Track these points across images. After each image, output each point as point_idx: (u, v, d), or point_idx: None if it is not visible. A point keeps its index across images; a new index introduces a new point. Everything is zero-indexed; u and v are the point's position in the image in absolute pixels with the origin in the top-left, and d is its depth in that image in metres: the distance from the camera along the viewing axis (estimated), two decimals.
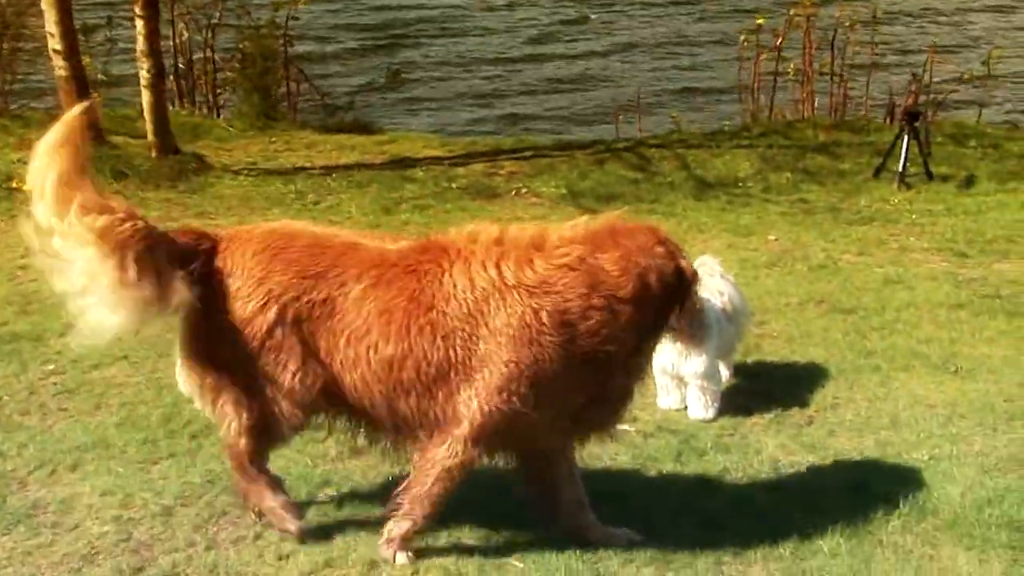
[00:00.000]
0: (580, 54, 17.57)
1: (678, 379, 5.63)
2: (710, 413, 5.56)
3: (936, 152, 11.32)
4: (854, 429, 5.52)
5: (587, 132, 13.95)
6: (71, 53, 10.43)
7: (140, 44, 10.52)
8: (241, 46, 13.44)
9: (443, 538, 4.44)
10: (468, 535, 4.47)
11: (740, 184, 10.63)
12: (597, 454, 5.13)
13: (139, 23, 10.44)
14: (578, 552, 4.32)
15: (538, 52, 17.78)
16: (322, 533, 4.48)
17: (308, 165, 11.26)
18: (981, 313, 7.18)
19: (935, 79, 13.17)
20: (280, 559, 4.31)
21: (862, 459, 5.18)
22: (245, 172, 10.84)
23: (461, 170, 11.19)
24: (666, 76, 16.53)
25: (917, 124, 10.45)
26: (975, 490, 4.85)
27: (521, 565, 4.26)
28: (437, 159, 11.63)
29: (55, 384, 5.90)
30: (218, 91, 13.64)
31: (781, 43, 13.27)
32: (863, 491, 4.85)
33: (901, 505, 4.69)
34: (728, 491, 4.82)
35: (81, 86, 10.54)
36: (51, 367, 6.10)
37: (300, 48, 15.06)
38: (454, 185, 10.55)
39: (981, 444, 5.30)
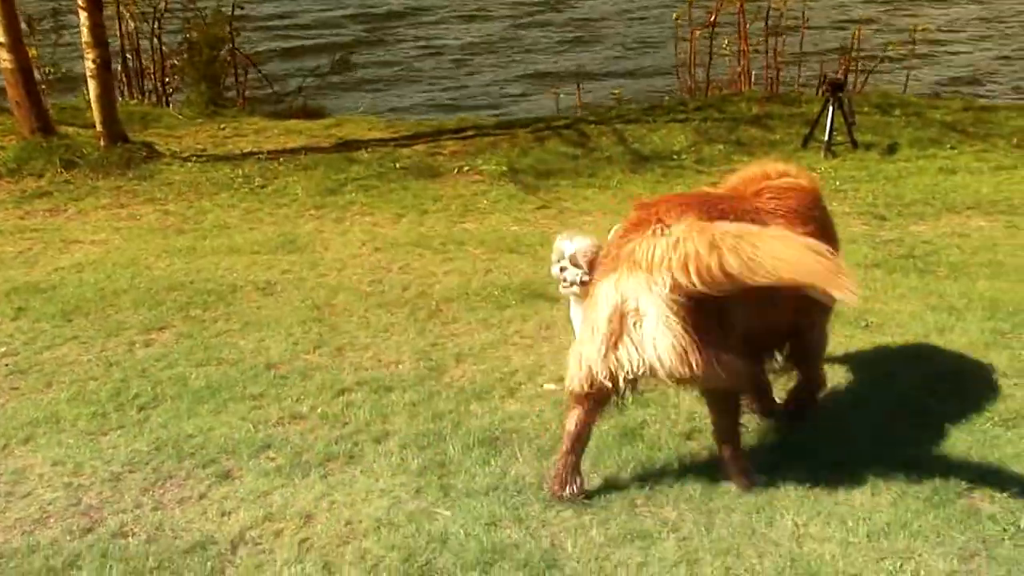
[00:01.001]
0: (523, 27, 17.77)
1: None
2: None
3: (863, 121, 11.68)
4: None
5: (529, 107, 14.19)
6: (15, 44, 10.52)
7: (84, 35, 10.63)
8: (188, 36, 13.55)
9: (376, 490, 4.70)
10: (400, 489, 4.73)
11: (675, 157, 10.93)
12: (524, 412, 5.43)
13: (82, 15, 10.55)
14: (501, 498, 4.60)
15: (483, 33, 18.01)
16: (262, 491, 4.73)
17: (256, 150, 11.44)
18: (895, 271, 7.52)
19: (864, 53, 13.54)
20: (222, 515, 4.56)
21: (774, 415, 5.47)
22: (194, 159, 11.01)
23: (405, 151, 11.43)
24: (607, 53, 16.77)
25: (841, 94, 10.77)
26: (874, 431, 5.17)
27: (448, 513, 4.53)
28: (382, 141, 11.86)
29: (7, 365, 6.10)
30: (167, 80, 13.76)
31: (715, 20, 13.57)
32: (771, 436, 5.15)
33: (807, 448, 5.00)
34: (646, 440, 5.10)
35: (27, 78, 10.65)
36: (3, 349, 6.29)
37: (248, 36, 15.20)
38: (398, 165, 10.77)
39: (881, 389, 5.62)
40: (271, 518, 4.52)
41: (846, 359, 5.97)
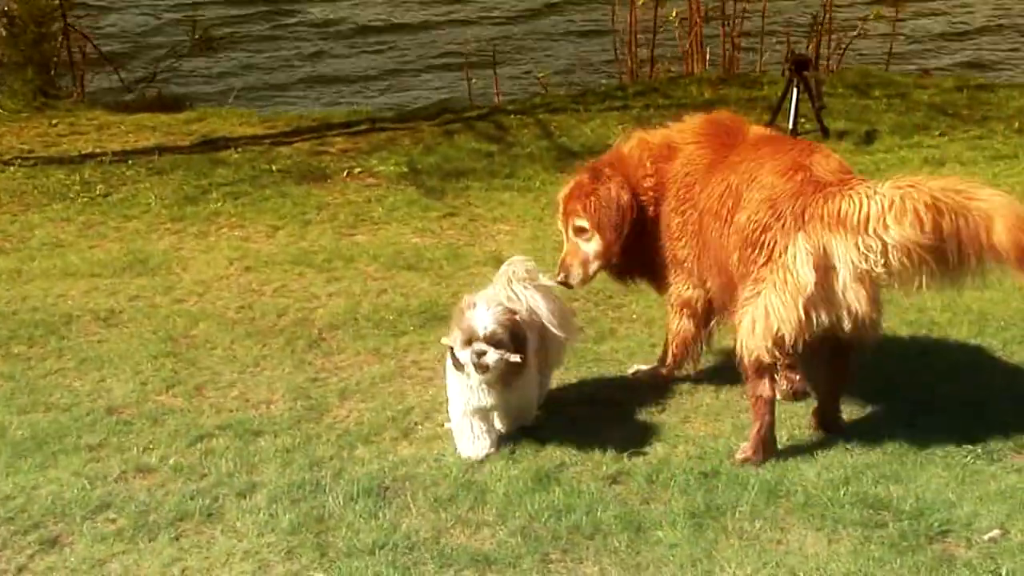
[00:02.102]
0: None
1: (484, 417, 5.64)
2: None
3: (837, 105, 12.10)
4: (711, 414, 6.07)
5: (434, 95, 14.42)
6: None
7: None
8: (7, 8, 13.52)
9: (238, 552, 4.83)
10: (268, 550, 4.86)
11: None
12: (419, 456, 5.60)
13: None
14: (390, 557, 4.76)
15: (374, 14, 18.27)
16: (97, 560, 4.83)
17: (98, 151, 11.52)
18: None
19: (839, 24, 14.02)
20: None
21: (716, 444, 5.71)
22: (18, 162, 11.05)
23: (284, 149, 11.60)
24: (530, 29, 17.10)
25: (807, 73, 11.14)
26: (832, 469, 5.43)
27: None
28: (255, 138, 12.01)
29: None
30: None
31: None
32: (714, 477, 5.38)
33: (751, 489, 5.23)
34: (563, 485, 5.29)
35: None
36: None
37: (88, 9, 15.26)
38: (274, 167, 10.92)
39: (846, 419, 5.89)
40: None
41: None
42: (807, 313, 5.25)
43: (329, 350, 6.98)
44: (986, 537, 4.91)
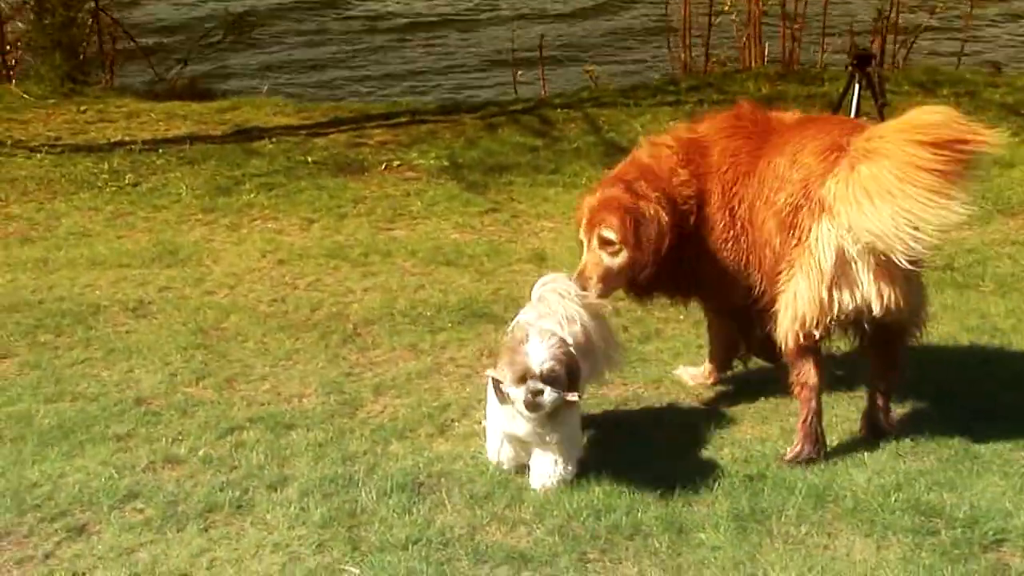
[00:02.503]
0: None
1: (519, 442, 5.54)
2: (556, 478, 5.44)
3: (903, 103, 12.07)
4: (758, 417, 6.20)
5: (484, 93, 14.63)
6: None
7: None
8: None
9: (269, 545, 5.02)
10: (299, 543, 5.04)
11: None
12: (456, 452, 5.77)
13: None
14: (423, 552, 4.92)
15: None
16: (125, 548, 5.02)
17: (128, 139, 11.77)
18: (928, 284, 7.91)
19: (906, 19, 14.09)
20: None
21: (763, 448, 5.84)
22: (45, 149, 11.32)
23: (320, 140, 11.80)
24: (579, 24, 17.27)
25: (869, 69, 11.21)
26: (884, 475, 5.54)
27: (357, 570, 4.85)
28: (291, 128, 12.24)
29: None
30: (7, 50, 13.97)
31: None
32: (759, 480, 5.51)
33: (798, 493, 5.35)
34: (603, 483, 5.44)
35: None
36: None
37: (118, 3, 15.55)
38: (310, 159, 11.13)
39: (898, 428, 6.00)
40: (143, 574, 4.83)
41: (844, 395, 6.35)
42: (829, 296, 5.44)
43: (364, 345, 7.16)
44: None
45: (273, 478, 5.55)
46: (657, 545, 5.02)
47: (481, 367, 6.78)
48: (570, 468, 5.42)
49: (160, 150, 11.40)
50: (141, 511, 5.32)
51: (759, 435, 6.01)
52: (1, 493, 5.45)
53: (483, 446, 5.79)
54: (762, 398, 6.39)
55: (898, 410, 6.15)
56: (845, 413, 6.17)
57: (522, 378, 5.17)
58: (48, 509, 5.32)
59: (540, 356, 5.18)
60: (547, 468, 5.40)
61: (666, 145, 6.22)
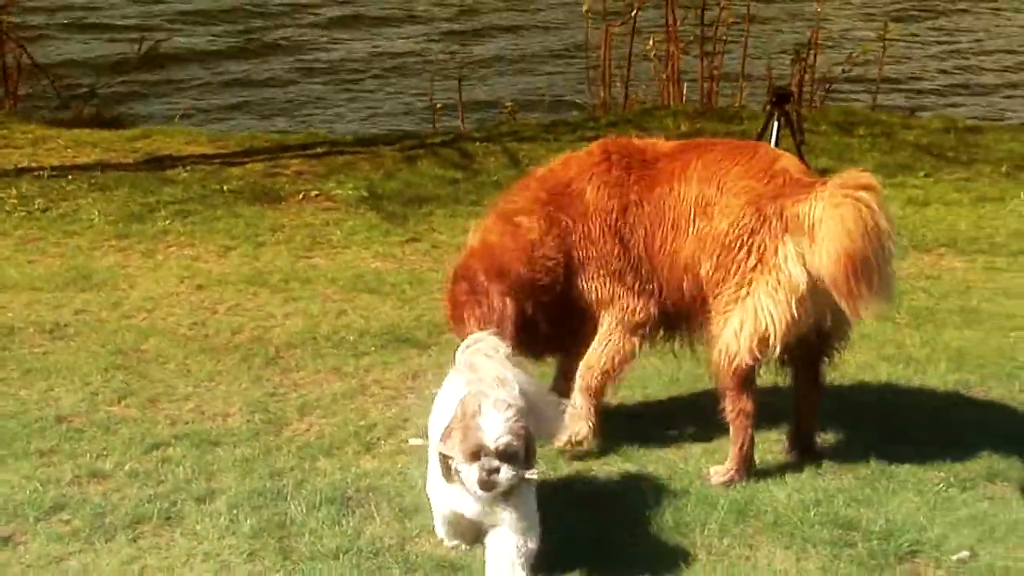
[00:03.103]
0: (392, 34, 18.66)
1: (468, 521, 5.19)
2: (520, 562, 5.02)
3: (819, 143, 12.68)
4: (682, 437, 6.51)
5: (401, 121, 14.94)
6: None
7: None
8: None
9: (199, 554, 5.21)
10: (229, 552, 5.24)
11: None
12: (383, 469, 6.00)
13: None
14: (354, 561, 5.15)
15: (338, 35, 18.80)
16: (54, 557, 5.19)
17: (35, 165, 11.90)
18: None
19: (824, 61, 14.67)
20: None
21: (686, 467, 6.14)
22: None
23: (235, 170, 12.02)
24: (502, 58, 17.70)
25: (788, 107, 11.68)
26: (803, 491, 5.88)
27: None
28: (205, 157, 12.43)
29: None
30: None
31: (636, 13, 14.49)
32: (683, 496, 5.80)
33: (720, 508, 5.65)
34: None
35: None
36: None
37: (23, 18, 15.63)
38: (225, 187, 11.34)
39: (820, 447, 6.35)
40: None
41: (785, 412, 6.67)
42: (798, 313, 5.78)
43: (287, 367, 7.38)
44: (955, 558, 5.35)
45: (201, 491, 5.74)
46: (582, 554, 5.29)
47: (405, 389, 7.04)
48: (531, 547, 5.00)
49: (70, 176, 11.53)
50: (68, 522, 5.48)
51: (682, 454, 6.31)
52: None
53: (410, 463, 6.03)
54: (682, 419, 6.69)
55: (821, 428, 6.49)
56: (765, 434, 6.49)
57: (475, 455, 4.82)
58: None
59: (496, 430, 4.81)
60: (509, 554, 4.98)
61: (521, 219, 6.32)
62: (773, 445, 6.41)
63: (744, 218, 5.88)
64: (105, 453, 6.14)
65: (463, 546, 5.31)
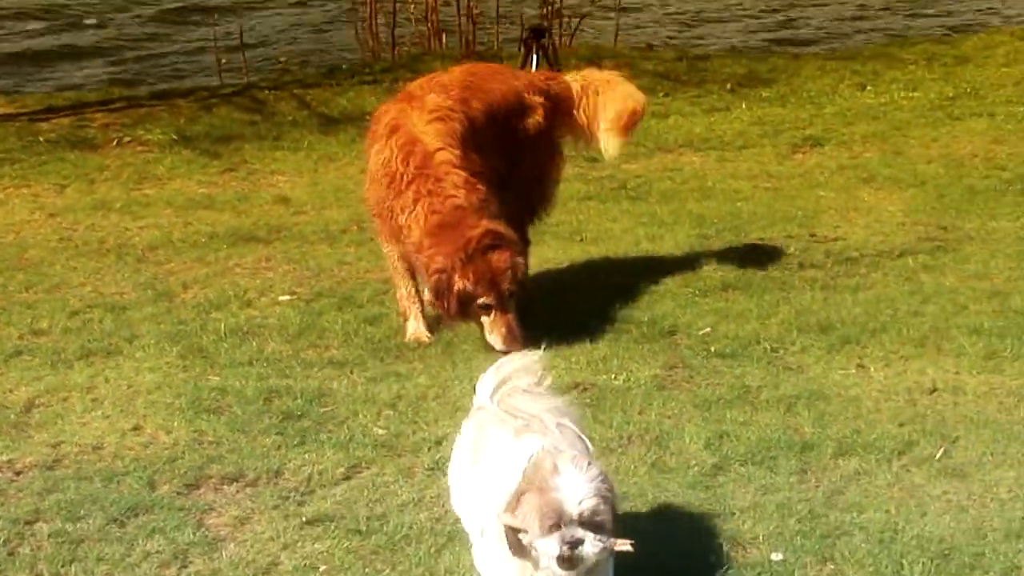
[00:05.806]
0: None
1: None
2: None
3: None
4: None
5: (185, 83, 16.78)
6: None
7: None
8: None
9: (145, 368, 7.24)
10: (168, 366, 7.27)
11: (370, 116, 13.84)
12: (266, 314, 8.11)
13: None
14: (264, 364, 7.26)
15: None
16: (36, 377, 7.13)
17: None
18: (608, 201, 10.73)
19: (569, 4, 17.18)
20: (8, 392, 6.94)
21: None
22: None
23: (44, 125, 13.69)
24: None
25: (544, 41, 14.02)
26: (585, 320, 8.21)
27: (219, 378, 7.13)
28: (9, 116, 14.01)
29: None
30: None
31: None
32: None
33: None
34: None
35: None
36: None
37: None
38: (42, 138, 13.04)
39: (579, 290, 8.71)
40: (57, 389, 6.95)
41: (561, 269, 8.98)
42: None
43: (158, 261, 9.33)
44: (700, 332, 7.75)
45: (128, 335, 7.72)
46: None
47: (263, 268, 9.12)
48: None
49: None
50: (30, 361, 7.40)
51: None
52: None
53: (285, 311, 8.14)
54: None
55: (587, 275, 8.84)
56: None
57: (556, 525, 4.13)
58: None
59: (579, 493, 4.13)
60: None
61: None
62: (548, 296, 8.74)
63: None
64: (36, 319, 8.02)
65: None
